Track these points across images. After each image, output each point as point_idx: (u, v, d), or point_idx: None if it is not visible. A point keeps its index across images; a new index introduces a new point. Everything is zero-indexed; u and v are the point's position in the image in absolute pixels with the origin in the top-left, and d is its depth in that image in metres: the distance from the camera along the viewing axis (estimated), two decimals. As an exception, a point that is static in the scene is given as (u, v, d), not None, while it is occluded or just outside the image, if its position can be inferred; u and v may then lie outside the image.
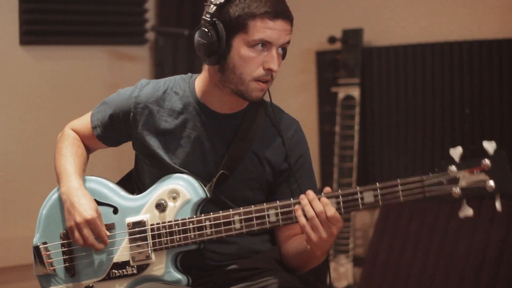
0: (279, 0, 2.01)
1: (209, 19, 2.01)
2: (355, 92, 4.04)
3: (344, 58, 4.08)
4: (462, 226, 3.58)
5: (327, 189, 1.97)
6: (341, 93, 4.07)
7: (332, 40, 4.07)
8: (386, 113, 4.05)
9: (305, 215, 1.94)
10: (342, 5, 4.21)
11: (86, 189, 2.13)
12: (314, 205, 1.93)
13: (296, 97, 4.31)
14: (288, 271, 2.16)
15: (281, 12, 1.99)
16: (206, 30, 2.01)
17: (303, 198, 1.95)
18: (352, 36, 4.07)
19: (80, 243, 2.08)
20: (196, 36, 2.04)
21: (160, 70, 4.16)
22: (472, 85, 3.81)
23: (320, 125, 4.26)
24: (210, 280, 2.13)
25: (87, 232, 2.07)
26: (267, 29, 1.98)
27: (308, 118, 4.23)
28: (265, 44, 2.00)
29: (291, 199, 2.00)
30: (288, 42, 2.04)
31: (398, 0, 4.07)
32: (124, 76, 4.16)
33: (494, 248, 3.45)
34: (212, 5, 2.01)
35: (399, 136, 4.02)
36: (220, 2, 1.99)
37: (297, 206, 1.95)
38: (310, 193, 1.95)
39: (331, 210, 1.92)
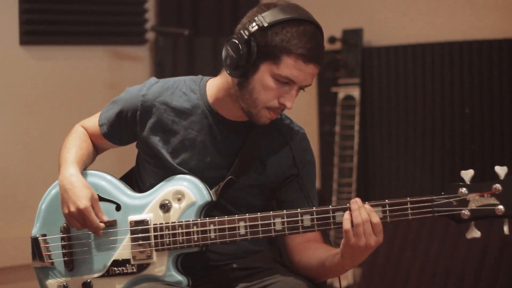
0: (318, 43, 1.98)
1: (246, 36, 1.98)
2: (355, 92, 4.04)
3: (344, 58, 4.08)
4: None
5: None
6: (341, 93, 4.07)
7: (332, 40, 4.07)
8: (386, 113, 4.05)
9: (352, 219, 1.94)
10: (342, 5, 4.21)
11: (81, 176, 2.11)
12: (361, 212, 1.93)
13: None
14: (288, 269, 2.16)
15: (316, 57, 1.97)
16: (239, 44, 1.98)
17: (353, 203, 1.95)
18: (352, 36, 4.07)
19: (79, 228, 2.08)
20: (227, 46, 2.00)
21: (160, 70, 4.15)
22: (472, 85, 3.81)
23: (320, 125, 4.26)
24: (210, 280, 2.13)
25: (80, 220, 2.06)
26: (297, 70, 1.97)
27: (308, 118, 4.23)
28: (289, 81, 1.99)
29: (299, 209, 2.00)
30: (310, 85, 2.04)
31: (398, 0, 4.07)
32: (124, 76, 4.16)
33: (494, 248, 3.45)
34: (254, 23, 1.97)
35: (399, 136, 4.02)
36: (263, 26, 1.96)
37: (347, 211, 1.95)
38: (358, 200, 1.96)
39: (376, 218, 1.93)
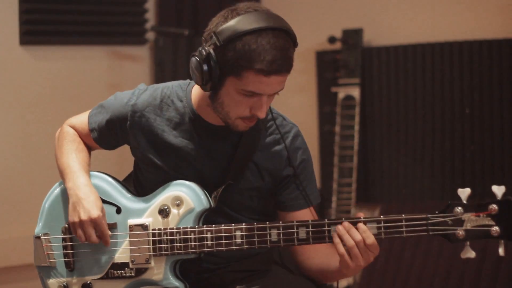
0: (280, 51, 1.92)
1: (205, 54, 1.94)
2: (355, 92, 4.04)
3: (344, 58, 4.07)
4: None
5: (360, 214, 1.97)
6: (341, 93, 4.07)
7: (332, 40, 4.06)
8: (386, 113, 4.05)
9: (343, 243, 1.93)
10: (342, 5, 4.21)
11: (93, 186, 2.12)
12: (352, 234, 1.92)
13: (296, 97, 4.30)
14: (288, 270, 2.16)
15: (277, 68, 1.91)
16: (200, 62, 1.95)
17: (340, 229, 1.93)
18: (352, 36, 4.07)
19: (82, 240, 2.08)
20: (191, 63, 1.99)
21: (160, 70, 4.15)
22: (472, 85, 3.81)
23: (320, 125, 4.25)
24: (208, 283, 2.13)
25: (90, 230, 2.06)
26: (259, 83, 1.92)
27: (308, 118, 4.23)
28: (255, 94, 1.95)
29: (295, 221, 1.99)
30: (281, 89, 1.99)
31: (398, 0, 4.07)
32: (124, 76, 4.16)
33: (494, 248, 3.45)
34: (210, 42, 1.94)
35: (399, 136, 4.02)
36: (217, 44, 1.93)
37: (335, 234, 1.94)
38: (346, 223, 1.94)
39: (371, 238, 1.92)
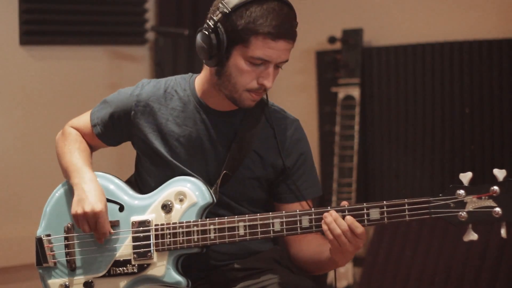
0: (286, 18, 1.99)
1: (212, 25, 2.01)
2: (355, 92, 4.04)
3: (344, 58, 4.08)
4: (462, 226, 3.57)
5: (344, 202, 1.99)
6: (341, 93, 4.07)
7: (332, 40, 4.07)
8: (386, 113, 4.05)
9: (331, 232, 1.95)
10: (342, 5, 4.21)
11: (98, 183, 2.14)
12: (339, 223, 1.94)
13: (296, 97, 4.31)
14: (288, 270, 2.16)
15: (284, 33, 1.99)
16: (208, 34, 2.01)
17: (326, 216, 1.95)
18: (352, 36, 4.07)
19: (86, 231, 2.09)
20: (198, 38, 2.05)
21: (160, 70, 4.16)
22: (472, 85, 3.81)
23: (320, 125, 4.26)
24: (210, 280, 2.14)
25: (92, 223, 2.08)
26: (267, 48, 1.98)
27: (308, 118, 4.23)
28: (263, 61, 2.01)
29: (297, 210, 2.01)
30: (287, 60, 2.04)
31: (398, 0, 4.07)
32: (124, 76, 4.16)
33: (494, 248, 3.45)
34: (218, 12, 2.01)
35: (399, 136, 4.02)
36: (226, 11, 1.99)
37: (323, 222, 1.96)
38: (333, 212, 1.96)
39: (359, 228, 1.93)
